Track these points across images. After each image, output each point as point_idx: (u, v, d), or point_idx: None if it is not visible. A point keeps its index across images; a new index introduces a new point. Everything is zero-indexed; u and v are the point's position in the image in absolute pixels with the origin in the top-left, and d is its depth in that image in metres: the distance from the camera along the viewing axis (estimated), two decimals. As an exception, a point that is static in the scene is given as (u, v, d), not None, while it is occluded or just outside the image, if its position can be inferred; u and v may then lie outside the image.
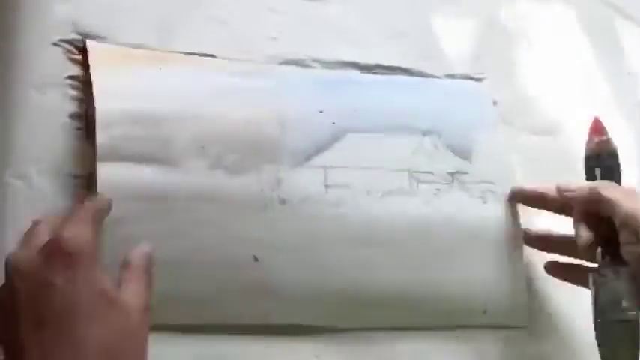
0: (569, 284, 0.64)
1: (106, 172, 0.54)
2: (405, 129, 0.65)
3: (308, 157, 0.61)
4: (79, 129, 0.57)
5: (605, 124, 0.66)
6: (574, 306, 0.65)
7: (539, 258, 0.66)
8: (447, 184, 0.64)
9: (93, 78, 0.57)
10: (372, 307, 0.60)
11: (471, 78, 0.73)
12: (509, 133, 0.72)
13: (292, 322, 0.58)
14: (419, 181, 0.63)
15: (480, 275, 0.63)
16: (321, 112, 0.63)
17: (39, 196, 0.55)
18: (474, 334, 0.63)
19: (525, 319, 0.64)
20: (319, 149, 0.61)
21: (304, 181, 0.60)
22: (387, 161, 0.63)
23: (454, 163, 0.65)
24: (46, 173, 0.56)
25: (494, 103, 0.72)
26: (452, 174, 0.65)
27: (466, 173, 0.65)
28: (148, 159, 0.56)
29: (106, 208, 0.52)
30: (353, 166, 0.62)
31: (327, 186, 0.60)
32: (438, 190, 0.64)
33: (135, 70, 0.59)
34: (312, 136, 0.61)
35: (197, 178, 0.57)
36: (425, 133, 0.65)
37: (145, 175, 0.55)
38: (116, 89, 0.57)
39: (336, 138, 0.62)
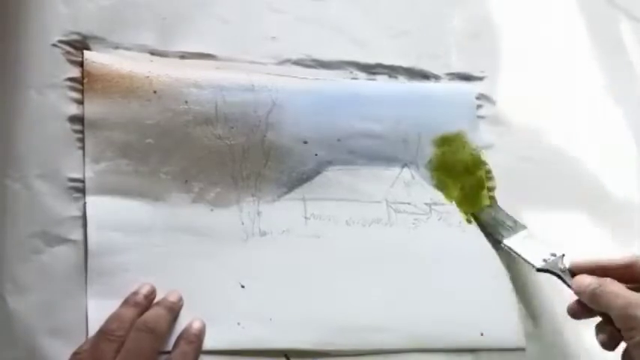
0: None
1: (95, 205, 0.57)
2: (385, 160, 0.67)
3: (289, 189, 0.63)
4: (77, 131, 0.59)
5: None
6: (571, 329, 0.65)
7: (532, 283, 0.67)
8: (424, 214, 0.66)
9: (85, 110, 0.59)
10: (362, 331, 0.60)
11: (471, 77, 0.74)
12: (508, 132, 0.72)
13: (282, 347, 0.58)
14: (397, 212, 0.66)
15: (469, 299, 0.64)
16: (305, 142, 0.65)
17: (37, 198, 0.56)
18: (474, 357, 0.62)
19: (522, 341, 0.63)
20: (301, 181, 0.64)
21: (284, 213, 0.62)
22: (366, 193, 0.65)
23: (431, 194, 0.67)
24: (45, 176, 0.57)
25: (493, 103, 0.73)
26: (429, 205, 0.67)
27: (443, 204, 0.67)
28: (134, 192, 0.59)
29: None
30: (332, 197, 0.64)
31: (306, 217, 0.63)
32: (416, 220, 0.66)
33: (125, 102, 0.60)
34: (294, 168, 0.64)
35: (180, 212, 0.59)
36: (404, 165, 0.67)
37: (131, 207, 0.58)
38: (105, 123, 0.59)
39: (317, 171, 0.64)
